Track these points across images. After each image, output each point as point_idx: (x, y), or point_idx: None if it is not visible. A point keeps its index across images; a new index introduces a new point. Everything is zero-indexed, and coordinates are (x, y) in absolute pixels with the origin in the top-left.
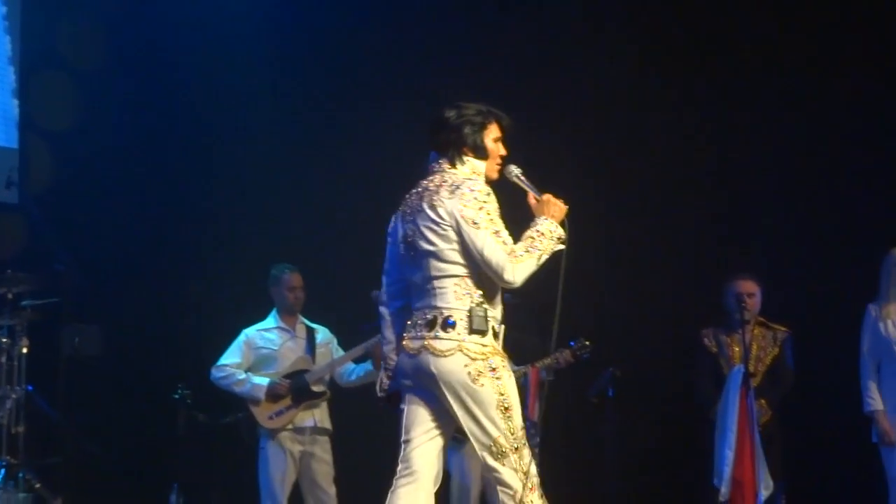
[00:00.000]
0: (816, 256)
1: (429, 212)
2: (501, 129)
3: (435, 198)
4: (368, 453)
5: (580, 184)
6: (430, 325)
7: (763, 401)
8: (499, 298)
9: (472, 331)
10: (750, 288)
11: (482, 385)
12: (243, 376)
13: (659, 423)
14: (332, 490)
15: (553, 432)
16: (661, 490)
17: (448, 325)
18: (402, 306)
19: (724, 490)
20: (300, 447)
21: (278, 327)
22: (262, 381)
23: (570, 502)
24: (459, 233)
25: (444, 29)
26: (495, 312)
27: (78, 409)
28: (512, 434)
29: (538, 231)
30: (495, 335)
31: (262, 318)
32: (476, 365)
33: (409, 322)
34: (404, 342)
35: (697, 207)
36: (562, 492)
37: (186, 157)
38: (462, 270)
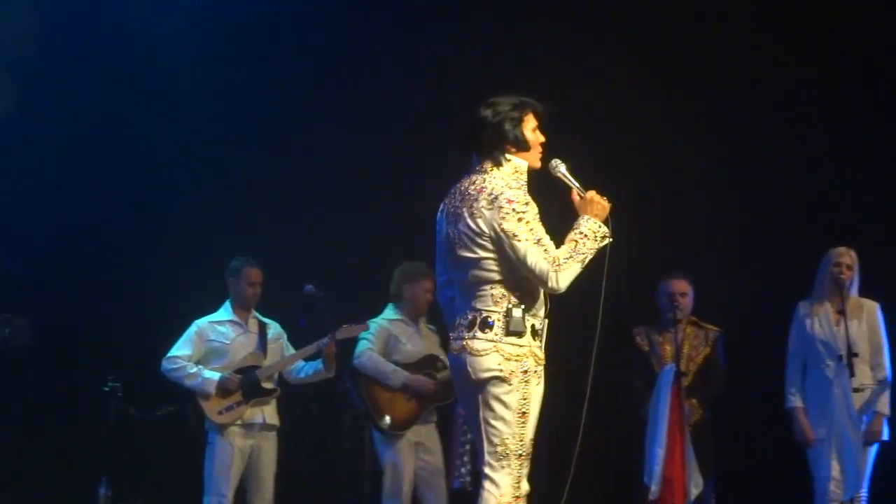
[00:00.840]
0: (750, 256)
1: (469, 221)
2: (537, 116)
3: (475, 207)
4: (311, 449)
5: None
6: (470, 325)
7: (694, 400)
8: (541, 297)
9: (508, 332)
10: (682, 287)
11: (510, 384)
12: (195, 370)
13: (590, 421)
14: (272, 485)
15: None
16: (592, 487)
17: (486, 325)
18: (451, 296)
19: (655, 488)
20: (249, 443)
21: (231, 321)
22: (212, 375)
23: None
24: (500, 244)
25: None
26: (537, 311)
27: (7, 401)
28: (521, 440)
29: (581, 233)
30: (536, 334)
31: (196, 309)
32: (510, 365)
33: (454, 322)
34: (450, 343)
35: (629, 206)
36: None
37: (119, 147)
38: (500, 276)
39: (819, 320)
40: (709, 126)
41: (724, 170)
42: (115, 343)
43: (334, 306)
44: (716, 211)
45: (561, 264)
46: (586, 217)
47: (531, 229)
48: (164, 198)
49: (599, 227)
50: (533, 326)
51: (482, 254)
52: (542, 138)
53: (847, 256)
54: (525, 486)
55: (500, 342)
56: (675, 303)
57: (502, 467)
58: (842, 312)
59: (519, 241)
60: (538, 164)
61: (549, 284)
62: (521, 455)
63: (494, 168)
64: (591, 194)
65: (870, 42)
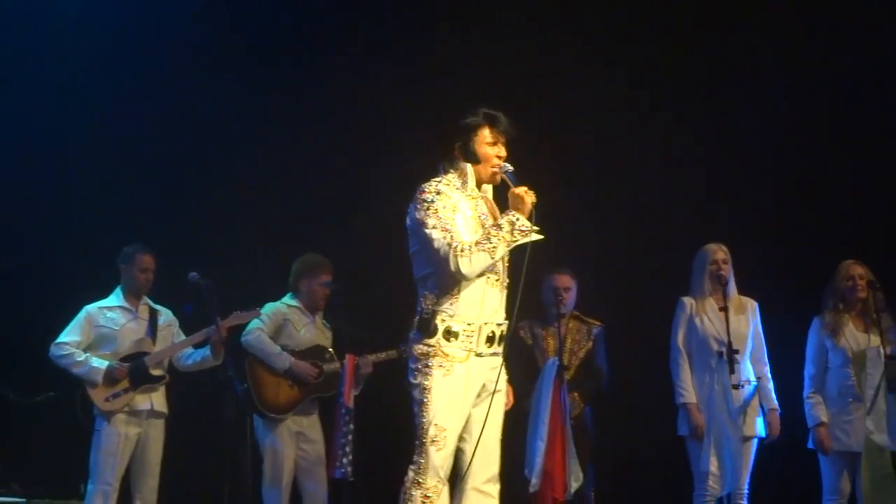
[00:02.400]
0: (631, 252)
1: (406, 219)
2: (498, 132)
3: (410, 205)
4: (195, 437)
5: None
6: None
7: (576, 394)
8: (471, 300)
9: (418, 332)
10: (566, 282)
11: (416, 381)
12: (83, 357)
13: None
14: (158, 473)
15: (370, 419)
16: None
17: (413, 325)
18: None
19: (535, 481)
20: (136, 430)
21: (121, 307)
22: (100, 363)
23: (387, 491)
24: (418, 238)
25: None
26: (455, 313)
27: None
28: (423, 428)
29: (497, 225)
30: (452, 334)
31: (80, 295)
32: (418, 364)
33: None
34: None
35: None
36: (378, 480)
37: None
38: (426, 272)
39: (708, 317)
40: (588, 125)
41: (604, 168)
42: None
43: (233, 295)
44: (598, 208)
45: (464, 250)
46: (508, 211)
47: (439, 217)
48: (49, 183)
49: (518, 219)
50: (449, 328)
51: (414, 249)
52: (500, 152)
53: (721, 252)
54: (430, 479)
55: (414, 344)
56: (558, 297)
57: (415, 453)
58: (724, 309)
59: (426, 228)
60: (488, 178)
61: (451, 269)
62: (423, 443)
63: (444, 175)
64: (516, 189)
65: (738, 46)
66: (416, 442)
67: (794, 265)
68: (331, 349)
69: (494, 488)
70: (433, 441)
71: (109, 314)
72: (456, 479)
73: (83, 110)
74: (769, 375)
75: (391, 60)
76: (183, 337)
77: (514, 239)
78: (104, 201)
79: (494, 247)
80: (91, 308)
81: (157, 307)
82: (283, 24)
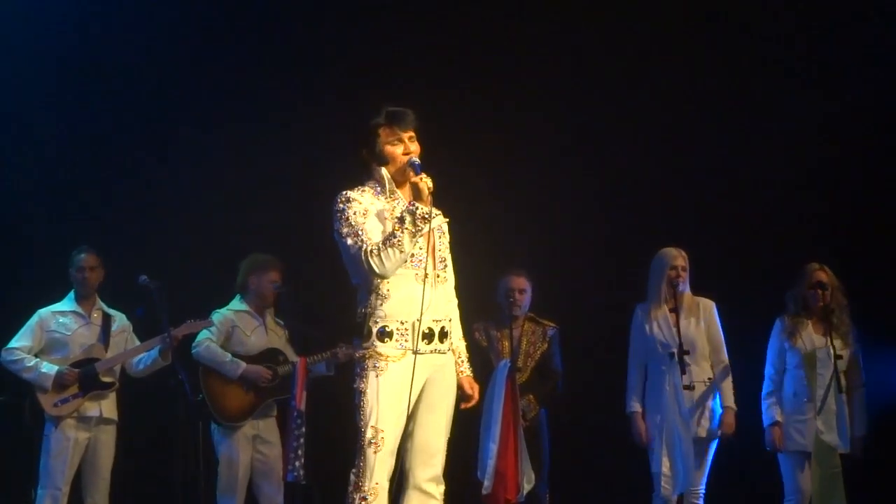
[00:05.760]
0: (587, 254)
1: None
2: (398, 129)
3: None
4: (147, 442)
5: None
6: None
7: (531, 396)
8: (400, 294)
9: (356, 337)
10: (521, 284)
11: (355, 385)
12: (32, 363)
13: None
14: (108, 479)
15: (322, 422)
16: None
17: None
18: None
19: (488, 483)
20: (85, 435)
21: (73, 311)
22: (50, 369)
23: (341, 494)
24: (340, 247)
25: None
26: (388, 314)
27: None
28: (361, 430)
29: (399, 219)
30: (386, 334)
31: (33, 299)
32: (357, 367)
33: None
34: None
35: (470, 204)
36: (333, 483)
37: None
38: (355, 280)
39: (658, 322)
40: (545, 126)
41: (560, 170)
42: None
43: (186, 298)
44: (554, 209)
45: (372, 250)
46: (409, 202)
47: (351, 224)
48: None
49: (417, 208)
50: (382, 329)
51: (344, 259)
52: (410, 148)
53: (680, 258)
54: (369, 481)
55: (356, 347)
56: (513, 299)
57: (355, 457)
58: (674, 310)
59: (342, 236)
60: (402, 176)
61: (368, 269)
62: (361, 446)
63: (364, 185)
64: (413, 178)
65: (680, 48)
66: (357, 445)
67: (751, 265)
68: (285, 350)
69: (437, 489)
70: (370, 443)
71: (62, 319)
72: (401, 477)
73: (32, 109)
74: (729, 374)
75: (339, 60)
76: (137, 343)
77: (418, 228)
78: (56, 203)
79: (400, 240)
80: (43, 312)
81: (112, 312)
82: (234, 22)
